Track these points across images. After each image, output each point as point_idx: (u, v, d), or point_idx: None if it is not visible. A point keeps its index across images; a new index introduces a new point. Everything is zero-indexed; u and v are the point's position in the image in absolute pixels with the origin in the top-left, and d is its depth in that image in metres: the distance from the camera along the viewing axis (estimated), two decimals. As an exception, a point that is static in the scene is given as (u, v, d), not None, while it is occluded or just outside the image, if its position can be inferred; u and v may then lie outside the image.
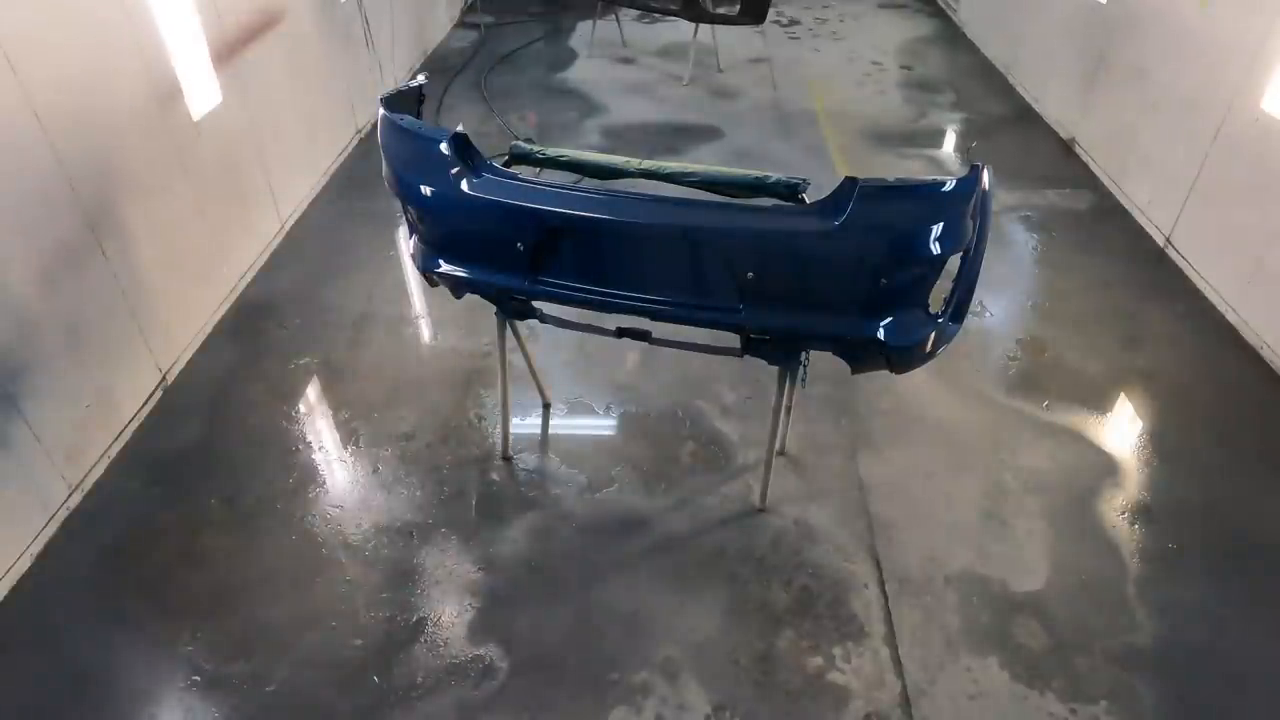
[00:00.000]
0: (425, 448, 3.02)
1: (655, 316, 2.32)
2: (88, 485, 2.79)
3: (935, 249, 2.00)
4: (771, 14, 6.71)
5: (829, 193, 2.02)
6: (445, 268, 2.47)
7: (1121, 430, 3.12)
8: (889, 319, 2.12)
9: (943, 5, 8.18)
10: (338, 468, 2.93)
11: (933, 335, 2.18)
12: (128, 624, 2.41)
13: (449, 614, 2.45)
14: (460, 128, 2.28)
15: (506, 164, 2.47)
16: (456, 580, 2.55)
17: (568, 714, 2.21)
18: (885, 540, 2.67)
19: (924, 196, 2.06)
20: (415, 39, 6.48)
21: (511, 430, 2.98)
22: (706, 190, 2.35)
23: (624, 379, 3.36)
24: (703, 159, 5.10)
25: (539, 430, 3.13)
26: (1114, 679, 2.27)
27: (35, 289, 2.55)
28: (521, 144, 2.53)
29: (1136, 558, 2.62)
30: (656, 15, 7.07)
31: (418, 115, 2.57)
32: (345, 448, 3.02)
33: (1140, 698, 2.23)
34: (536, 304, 2.54)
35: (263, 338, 3.54)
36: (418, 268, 2.58)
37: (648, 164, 2.39)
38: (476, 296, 2.61)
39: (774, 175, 2.26)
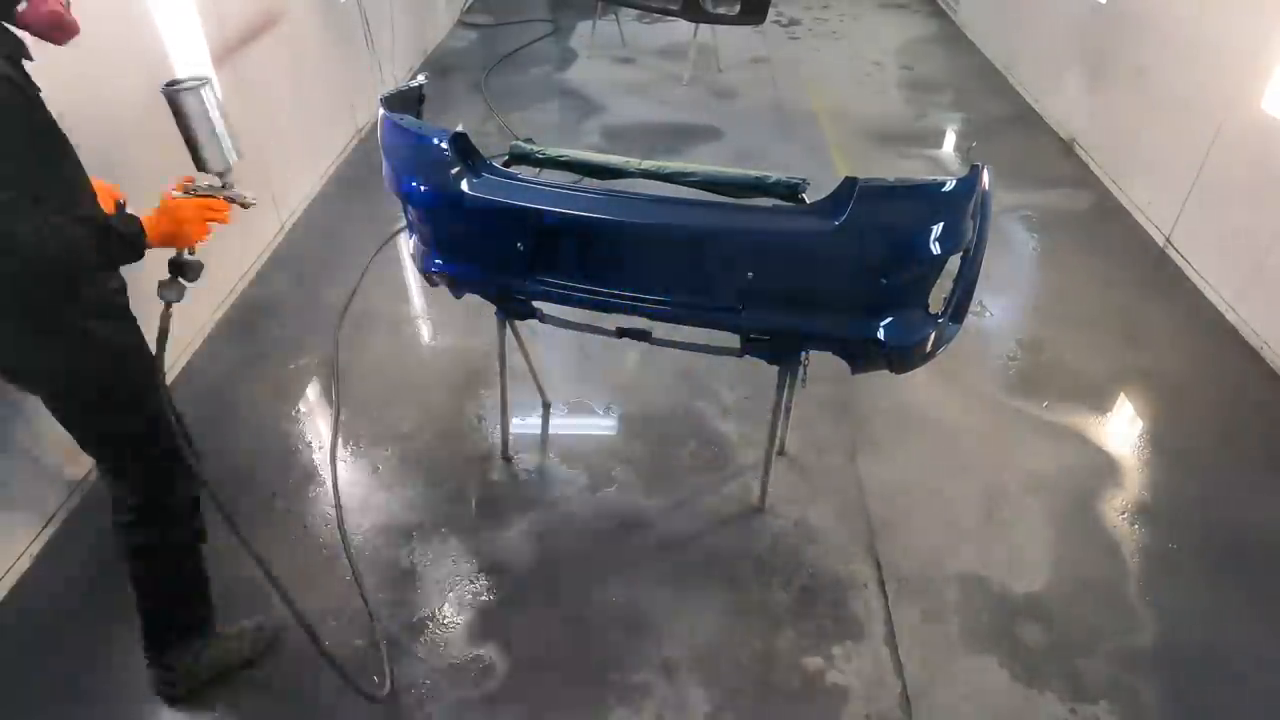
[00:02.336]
0: (425, 448, 3.02)
1: (655, 316, 2.32)
2: (88, 485, 2.79)
3: (935, 249, 2.00)
4: (771, 14, 6.70)
5: (829, 193, 2.02)
6: (445, 267, 2.47)
7: (1121, 430, 3.12)
8: (889, 319, 2.12)
9: (943, 5, 8.19)
10: (338, 468, 2.93)
11: (933, 335, 2.18)
12: (128, 624, 2.40)
13: (449, 614, 2.45)
14: (460, 128, 2.28)
15: (506, 164, 2.47)
16: (456, 580, 2.55)
17: (568, 714, 2.21)
18: (885, 540, 2.67)
19: (924, 196, 2.06)
20: (415, 39, 6.48)
21: (511, 430, 2.98)
22: (706, 190, 2.35)
23: (624, 379, 3.36)
24: (703, 159, 5.10)
25: (539, 430, 3.13)
26: (1114, 679, 2.28)
27: (35, 289, 2.55)
28: (521, 144, 2.52)
29: (1137, 558, 2.62)
30: (656, 15, 7.07)
31: (418, 115, 2.57)
32: (345, 448, 3.01)
33: (1140, 698, 2.23)
34: (536, 304, 2.54)
35: (263, 338, 3.54)
36: (418, 268, 2.58)
37: (648, 164, 2.39)
38: (476, 296, 2.61)
39: (774, 175, 2.26)
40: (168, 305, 1.85)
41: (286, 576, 2.52)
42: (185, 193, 1.81)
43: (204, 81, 1.81)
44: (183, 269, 1.85)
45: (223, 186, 1.85)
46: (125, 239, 1.67)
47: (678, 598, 2.50)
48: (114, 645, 2.35)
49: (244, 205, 1.89)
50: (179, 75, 1.87)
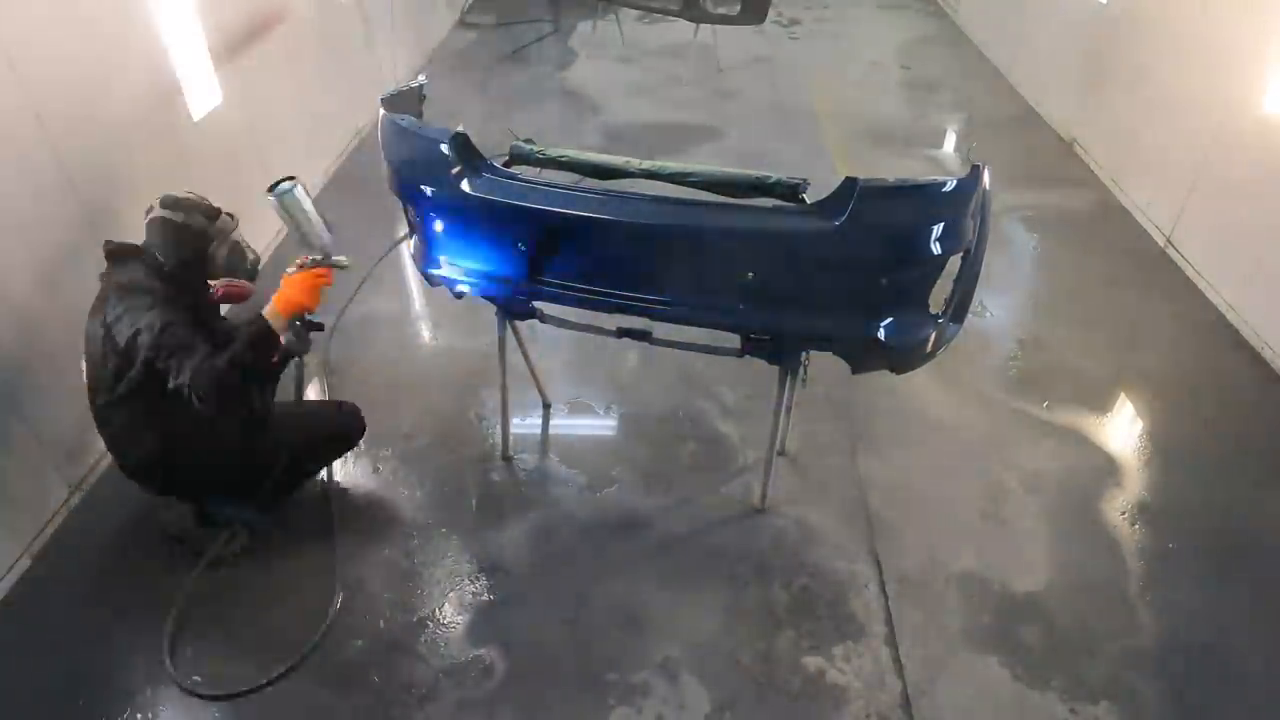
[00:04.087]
0: (425, 448, 3.02)
1: (656, 316, 2.32)
2: (88, 485, 2.78)
3: (936, 249, 2.00)
4: (772, 14, 6.70)
5: (829, 193, 2.02)
6: (445, 268, 2.47)
7: (1121, 430, 3.12)
8: (889, 319, 2.12)
9: (943, 5, 8.19)
10: (338, 468, 2.92)
11: (933, 335, 2.18)
12: (128, 624, 2.41)
13: (449, 614, 2.45)
14: (460, 128, 2.28)
15: (507, 164, 2.47)
16: (456, 580, 2.55)
17: (567, 714, 2.21)
18: (885, 540, 2.67)
19: (924, 196, 2.06)
20: (415, 39, 6.48)
21: (511, 430, 2.98)
22: (707, 190, 2.34)
23: (624, 379, 3.36)
24: (703, 159, 5.10)
25: (539, 430, 3.13)
26: (1115, 679, 2.28)
27: (35, 289, 2.55)
28: (521, 144, 2.52)
29: (1137, 557, 2.62)
30: (656, 15, 7.07)
31: (418, 115, 2.57)
32: (345, 448, 3.01)
33: (1141, 697, 2.23)
34: (537, 304, 2.54)
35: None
36: (418, 268, 2.58)
37: (648, 164, 2.39)
38: (477, 296, 2.61)
39: (774, 175, 2.26)
40: (300, 356, 2.49)
41: (286, 577, 2.55)
42: (299, 268, 2.28)
43: (295, 182, 2.26)
44: (308, 326, 2.41)
45: (324, 258, 2.32)
46: (259, 339, 2.16)
47: (678, 598, 2.50)
48: (114, 644, 2.35)
49: (342, 268, 2.35)
50: (275, 178, 2.27)
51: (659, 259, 2.24)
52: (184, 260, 2.30)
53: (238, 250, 2.42)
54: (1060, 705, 2.21)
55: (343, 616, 2.41)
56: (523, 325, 2.79)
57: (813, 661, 2.32)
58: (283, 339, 2.24)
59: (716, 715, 2.20)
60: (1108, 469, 2.94)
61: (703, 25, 6.34)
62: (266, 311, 2.20)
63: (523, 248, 2.26)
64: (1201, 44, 3.91)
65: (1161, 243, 4.18)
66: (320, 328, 2.48)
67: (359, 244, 4.17)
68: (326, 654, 2.33)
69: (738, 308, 2.19)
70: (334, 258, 2.33)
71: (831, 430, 3.09)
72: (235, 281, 2.41)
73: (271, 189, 2.25)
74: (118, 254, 2.31)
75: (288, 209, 2.25)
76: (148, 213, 2.31)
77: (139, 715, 2.20)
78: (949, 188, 2.00)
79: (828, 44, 7.37)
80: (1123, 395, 3.28)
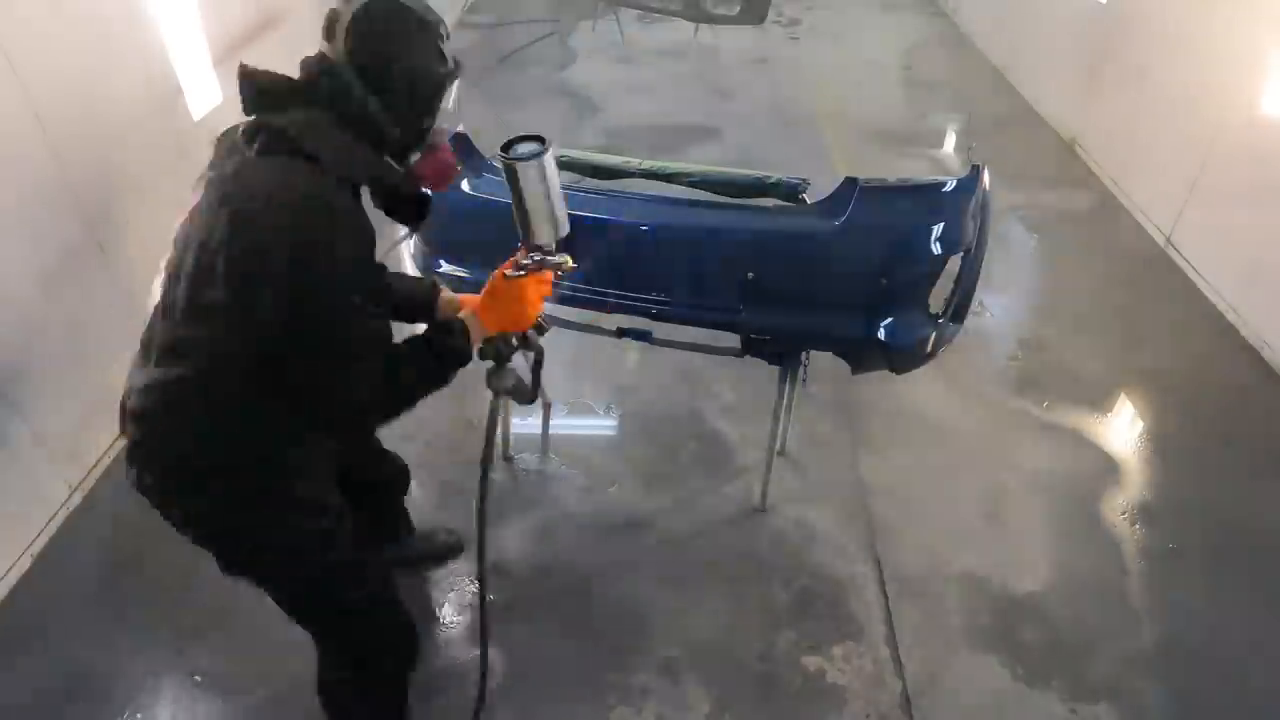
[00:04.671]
0: (425, 448, 3.02)
1: (656, 317, 2.32)
2: (88, 485, 2.78)
3: (936, 249, 2.00)
4: (772, 14, 6.71)
5: (829, 193, 2.03)
6: (445, 268, 2.47)
7: (1121, 430, 3.12)
8: (889, 319, 2.12)
9: (943, 5, 8.19)
10: (338, 468, 2.93)
11: (933, 335, 2.18)
12: (128, 624, 2.41)
13: (449, 614, 2.45)
14: (460, 128, 2.28)
15: (507, 164, 2.46)
16: (456, 581, 2.55)
17: (567, 714, 2.21)
18: (885, 540, 2.67)
19: (924, 197, 2.06)
20: (415, 39, 6.47)
21: (511, 430, 2.98)
22: (707, 191, 2.35)
23: (624, 379, 3.36)
24: (703, 159, 5.10)
25: (539, 430, 3.13)
26: (1115, 679, 2.28)
27: (35, 290, 2.55)
28: (522, 144, 2.51)
29: (1137, 557, 2.62)
30: (656, 15, 7.07)
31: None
32: (345, 448, 3.01)
33: (1141, 697, 2.23)
34: (537, 304, 2.53)
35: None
36: (418, 268, 2.58)
37: (648, 164, 2.39)
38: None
39: (774, 176, 2.26)
40: (498, 395, 1.80)
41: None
42: (519, 269, 1.59)
43: (545, 148, 1.50)
44: (527, 343, 1.80)
45: (543, 257, 1.60)
46: (452, 359, 1.64)
47: (678, 598, 2.50)
48: (115, 645, 2.35)
49: (565, 271, 1.66)
50: (515, 135, 1.55)
51: (659, 259, 2.24)
52: (414, 92, 1.43)
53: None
54: (1060, 705, 2.21)
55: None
56: (523, 325, 2.78)
57: (813, 661, 2.32)
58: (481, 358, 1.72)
59: (716, 715, 2.20)
60: (1108, 469, 2.95)
61: (703, 25, 6.34)
62: (471, 323, 1.68)
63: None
64: (1202, 44, 3.91)
65: (1161, 243, 4.18)
66: (541, 336, 1.86)
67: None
68: (326, 654, 2.33)
69: (738, 308, 2.19)
70: (555, 257, 1.62)
71: (831, 430, 3.09)
72: (443, 157, 1.58)
73: (506, 148, 1.52)
74: (271, 96, 1.40)
75: (528, 184, 1.52)
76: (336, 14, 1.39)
77: (139, 715, 2.20)
78: (949, 188, 2.01)
79: (828, 44, 7.37)
80: (1123, 395, 3.28)
